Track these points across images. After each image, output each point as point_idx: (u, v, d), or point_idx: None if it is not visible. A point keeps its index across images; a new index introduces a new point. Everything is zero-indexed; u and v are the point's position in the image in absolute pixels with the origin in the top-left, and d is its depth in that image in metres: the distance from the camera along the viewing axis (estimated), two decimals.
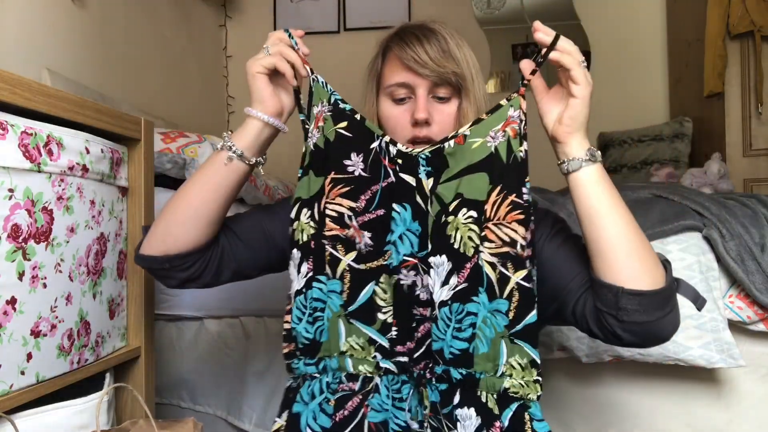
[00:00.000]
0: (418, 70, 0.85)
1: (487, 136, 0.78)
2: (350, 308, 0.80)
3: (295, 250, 0.82)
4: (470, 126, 0.79)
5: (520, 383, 0.76)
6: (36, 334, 0.83)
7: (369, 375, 0.80)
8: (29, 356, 0.82)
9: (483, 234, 0.77)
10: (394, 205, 0.80)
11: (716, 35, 2.44)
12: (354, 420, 0.78)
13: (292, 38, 0.84)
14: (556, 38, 0.74)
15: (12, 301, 0.78)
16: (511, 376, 0.76)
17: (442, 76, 0.85)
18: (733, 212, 1.27)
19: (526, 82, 0.77)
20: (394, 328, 0.79)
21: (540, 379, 0.77)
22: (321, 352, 0.82)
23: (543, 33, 0.74)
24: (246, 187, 1.68)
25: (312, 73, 0.84)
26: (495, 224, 0.76)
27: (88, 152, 0.93)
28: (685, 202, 1.32)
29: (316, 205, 0.82)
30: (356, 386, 0.80)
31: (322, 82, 0.84)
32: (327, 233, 0.81)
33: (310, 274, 0.82)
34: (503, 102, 0.78)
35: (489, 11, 3.30)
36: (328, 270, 0.81)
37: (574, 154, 0.75)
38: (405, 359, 0.79)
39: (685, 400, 1.28)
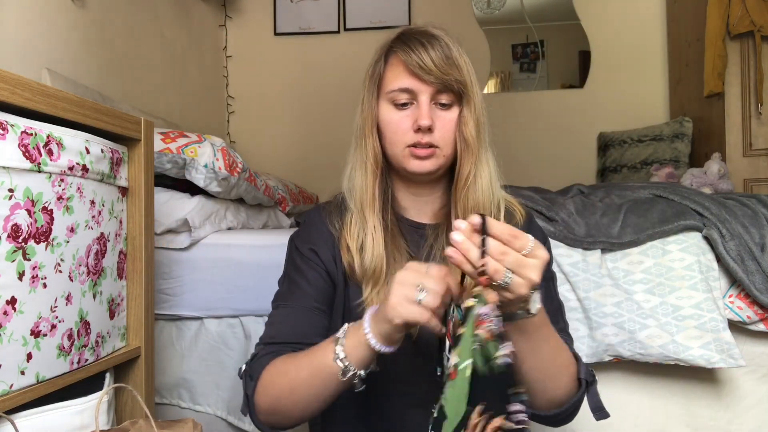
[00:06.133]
0: (422, 76, 0.84)
1: (471, 348, 0.62)
2: None
3: None
4: (455, 350, 0.63)
5: None
6: (36, 334, 0.83)
7: None
8: (29, 356, 0.82)
9: None
10: None
11: (716, 35, 2.44)
12: None
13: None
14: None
15: (12, 301, 0.78)
16: None
17: (445, 82, 0.84)
18: (733, 212, 1.27)
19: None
20: None
21: None
22: None
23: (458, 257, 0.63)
24: (245, 187, 1.68)
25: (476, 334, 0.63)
26: None
27: (88, 152, 0.93)
28: (685, 202, 1.32)
29: None
30: None
31: (479, 344, 0.62)
32: None
33: None
34: (468, 302, 0.63)
35: (489, 11, 3.30)
36: None
37: (509, 310, 0.69)
38: None
39: (685, 400, 1.28)
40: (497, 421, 0.60)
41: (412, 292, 0.66)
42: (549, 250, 0.97)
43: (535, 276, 0.63)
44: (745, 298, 1.23)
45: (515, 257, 0.62)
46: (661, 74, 3.10)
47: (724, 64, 2.44)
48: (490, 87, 3.28)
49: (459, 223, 0.64)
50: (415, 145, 0.86)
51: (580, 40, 3.20)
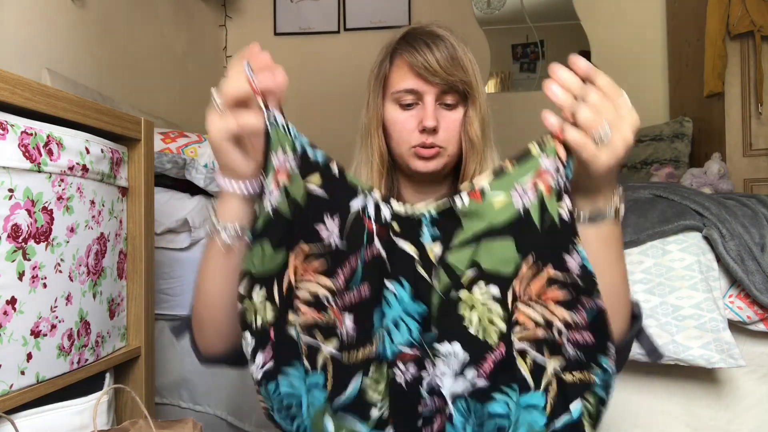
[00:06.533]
0: (427, 77, 0.84)
1: (512, 190, 0.61)
2: (337, 402, 0.62)
3: (247, 333, 0.63)
4: (491, 179, 0.62)
5: None
6: (36, 334, 0.83)
7: None
8: (29, 356, 0.82)
9: (513, 317, 0.61)
10: (387, 282, 0.64)
11: (716, 35, 2.44)
12: None
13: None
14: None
15: (12, 301, 0.78)
16: None
17: (450, 83, 0.84)
18: (733, 212, 1.27)
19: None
20: (390, 429, 0.63)
21: None
22: None
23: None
24: None
25: (267, 109, 0.62)
26: (526, 303, 0.61)
27: (88, 152, 0.93)
28: (685, 202, 1.32)
29: (275, 284, 0.62)
30: None
31: (283, 125, 0.62)
32: (302, 321, 0.63)
33: (269, 365, 0.64)
34: (532, 147, 0.60)
35: (489, 11, 3.30)
36: (306, 363, 0.63)
37: (580, 209, 0.64)
38: None
39: (685, 400, 1.28)
40: (547, 270, 0.59)
41: (212, 105, 0.62)
42: None
43: (630, 134, 0.58)
44: (745, 298, 1.23)
45: (615, 112, 0.58)
46: (661, 74, 3.10)
47: (724, 64, 2.44)
48: (490, 87, 3.28)
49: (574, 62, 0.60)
50: (420, 146, 0.86)
51: (580, 40, 3.20)
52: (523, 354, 0.60)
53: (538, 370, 0.60)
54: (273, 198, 0.61)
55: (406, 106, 0.87)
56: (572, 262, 0.59)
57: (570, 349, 0.60)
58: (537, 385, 0.60)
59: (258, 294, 0.62)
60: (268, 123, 0.62)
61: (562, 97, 0.59)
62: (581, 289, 0.59)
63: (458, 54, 0.85)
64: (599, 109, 0.58)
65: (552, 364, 0.60)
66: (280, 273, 0.62)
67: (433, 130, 0.85)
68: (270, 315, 0.63)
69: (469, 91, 0.86)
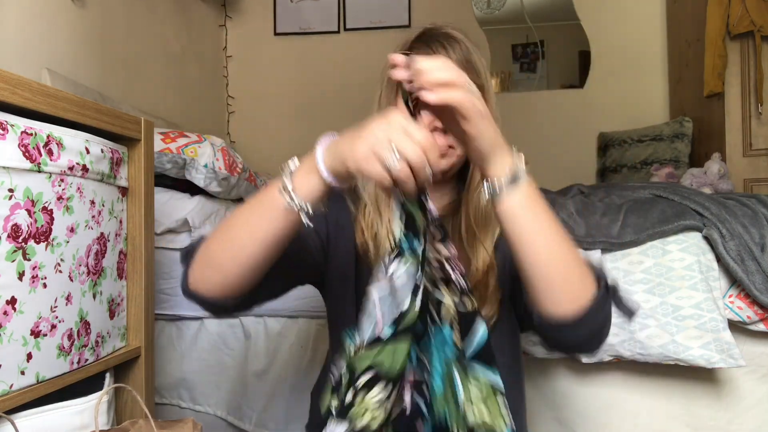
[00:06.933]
0: None
1: None
2: None
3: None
4: None
5: (484, 422, 0.64)
6: (36, 334, 0.83)
7: None
8: (29, 356, 0.82)
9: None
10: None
11: (716, 35, 2.44)
12: None
13: None
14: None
15: (12, 301, 0.78)
16: (474, 412, 0.64)
17: None
18: (733, 212, 1.27)
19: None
20: None
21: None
22: None
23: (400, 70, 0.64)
24: (245, 187, 1.68)
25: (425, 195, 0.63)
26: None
27: (88, 152, 0.93)
28: (685, 202, 1.32)
29: (402, 383, 0.64)
30: None
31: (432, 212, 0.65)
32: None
33: None
34: None
35: (489, 11, 3.30)
36: None
37: (497, 177, 0.67)
38: None
39: (685, 400, 1.28)
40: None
41: (385, 152, 0.59)
42: None
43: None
44: (745, 298, 1.23)
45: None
46: (661, 74, 3.10)
47: (724, 64, 2.44)
48: None
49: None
50: None
51: (580, 40, 3.20)
52: (430, 293, 0.65)
53: (439, 306, 0.65)
54: (420, 293, 0.63)
55: None
56: (431, 208, 0.65)
57: (461, 281, 0.66)
58: (441, 320, 0.65)
59: (377, 391, 0.60)
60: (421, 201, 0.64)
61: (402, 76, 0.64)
62: (444, 229, 0.67)
63: (473, 57, 0.86)
64: (450, 69, 0.63)
65: (449, 298, 0.65)
66: (403, 370, 0.62)
67: (444, 131, 0.85)
68: (381, 417, 0.60)
69: (481, 94, 0.86)
